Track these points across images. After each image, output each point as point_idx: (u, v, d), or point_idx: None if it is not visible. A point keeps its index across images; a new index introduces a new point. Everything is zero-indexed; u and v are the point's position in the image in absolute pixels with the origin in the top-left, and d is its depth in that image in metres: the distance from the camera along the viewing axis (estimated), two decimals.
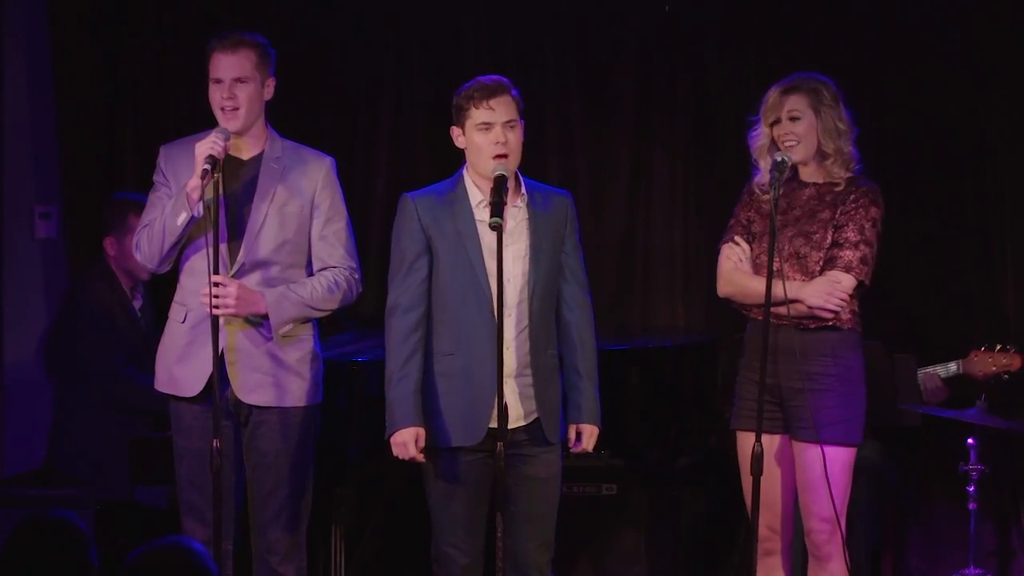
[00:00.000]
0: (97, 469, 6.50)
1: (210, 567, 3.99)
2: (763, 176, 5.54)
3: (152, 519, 6.37)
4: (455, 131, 5.32)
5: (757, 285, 5.40)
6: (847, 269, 5.42)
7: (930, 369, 6.42)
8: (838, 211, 5.46)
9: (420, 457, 5.25)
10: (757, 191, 5.57)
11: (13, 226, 7.21)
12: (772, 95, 5.53)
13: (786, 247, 5.45)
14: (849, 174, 5.50)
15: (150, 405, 6.41)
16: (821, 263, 5.46)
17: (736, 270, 5.54)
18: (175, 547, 4.01)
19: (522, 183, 5.34)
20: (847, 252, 5.43)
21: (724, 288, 5.59)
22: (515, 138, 5.28)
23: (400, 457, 5.26)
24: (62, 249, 7.26)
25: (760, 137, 5.54)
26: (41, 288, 7.25)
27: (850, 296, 5.43)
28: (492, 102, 5.25)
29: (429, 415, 5.28)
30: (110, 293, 6.69)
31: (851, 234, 5.45)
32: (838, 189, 5.49)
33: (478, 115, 5.26)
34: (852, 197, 5.47)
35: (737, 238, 5.59)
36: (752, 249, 5.57)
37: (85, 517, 5.54)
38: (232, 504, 5.48)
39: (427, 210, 5.32)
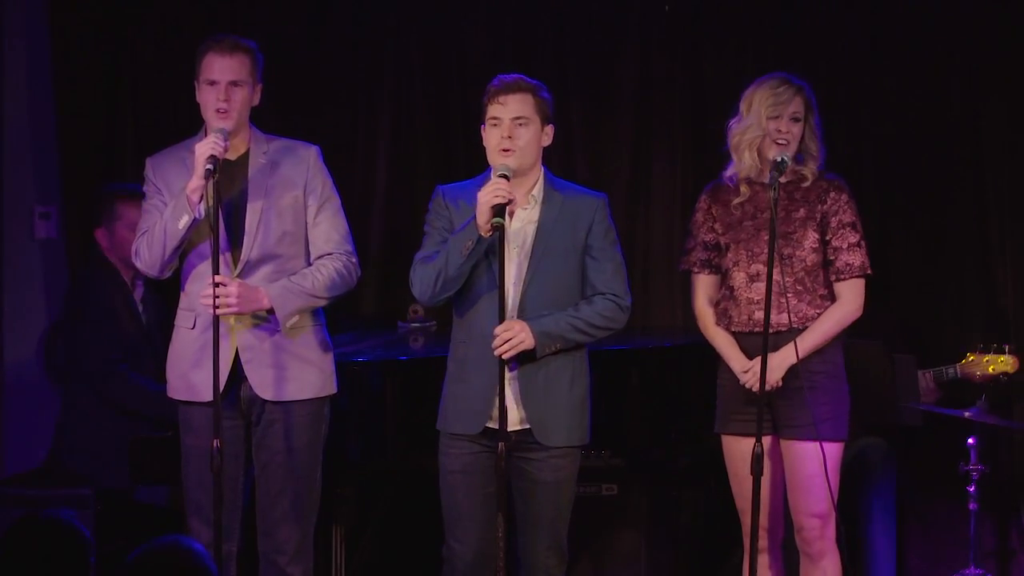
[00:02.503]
0: (100, 463, 6.48)
1: (210, 567, 3.99)
2: (743, 170, 5.50)
3: (152, 518, 6.37)
4: (482, 130, 5.33)
5: (723, 344, 5.55)
6: (863, 272, 5.50)
7: (927, 372, 6.40)
8: (817, 210, 5.49)
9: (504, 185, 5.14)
10: (726, 184, 5.54)
11: (13, 226, 7.21)
12: (784, 90, 5.48)
13: (764, 251, 5.43)
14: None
15: (141, 406, 6.41)
16: (806, 261, 5.47)
17: (708, 329, 5.64)
18: (175, 547, 4.01)
19: (540, 184, 5.33)
20: (856, 255, 5.49)
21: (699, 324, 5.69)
22: (526, 135, 5.26)
23: (502, 192, 5.14)
24: (62, 249, 7.25)
25: (754, 129, 5.48)
26: (41, 288, 7.25)
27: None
28: (502, 98, 5.26)
29: (443, 397, 5.34)
30: (113, 287, 6.64)
31: (850, 236, 5.50)
32: (806, 185, 5.50)
33: (489, 111, 5.29)
34: (832, 195, 5.50)
35: (696, 273, 5.62)
36: (728, 256, 5.55)
37: (85, 517, 5.54)
38: (239, 505, 5.48)
39: (452, 198, 5.36)
